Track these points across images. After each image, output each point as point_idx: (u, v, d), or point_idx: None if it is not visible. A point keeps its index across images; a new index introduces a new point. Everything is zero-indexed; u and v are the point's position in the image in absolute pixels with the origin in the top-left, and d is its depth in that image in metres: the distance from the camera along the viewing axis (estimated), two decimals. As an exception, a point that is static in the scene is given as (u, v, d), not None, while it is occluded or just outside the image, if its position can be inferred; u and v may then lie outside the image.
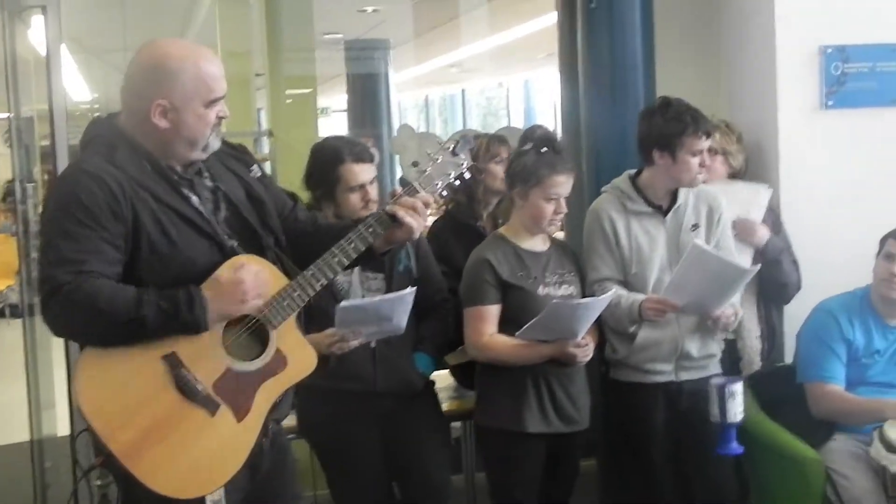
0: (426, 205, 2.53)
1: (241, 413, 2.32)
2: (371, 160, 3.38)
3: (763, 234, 3.72)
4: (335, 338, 3.06)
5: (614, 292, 3.29)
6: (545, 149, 3.29)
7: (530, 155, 3.30)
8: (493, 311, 3.29)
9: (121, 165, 2.31)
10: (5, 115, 4.84)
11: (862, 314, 3.55)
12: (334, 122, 15.96)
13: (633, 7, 4.14)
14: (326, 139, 3.57)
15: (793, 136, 4.02)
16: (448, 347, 3.57)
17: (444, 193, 2.62)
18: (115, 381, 2.25)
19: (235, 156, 2.57)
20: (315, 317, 3.11)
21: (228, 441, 2.32)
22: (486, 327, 3.29)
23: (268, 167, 7.11)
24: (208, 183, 2.45)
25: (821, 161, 4.03)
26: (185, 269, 2.31)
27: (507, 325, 3.27)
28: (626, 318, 3.33)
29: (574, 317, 3.18)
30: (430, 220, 3.86)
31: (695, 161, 3.37)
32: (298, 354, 2.42)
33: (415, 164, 2.61)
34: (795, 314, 3.78)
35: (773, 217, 3.89)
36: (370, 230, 2.47)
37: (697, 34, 4.50)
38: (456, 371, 3.83)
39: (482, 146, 3.93)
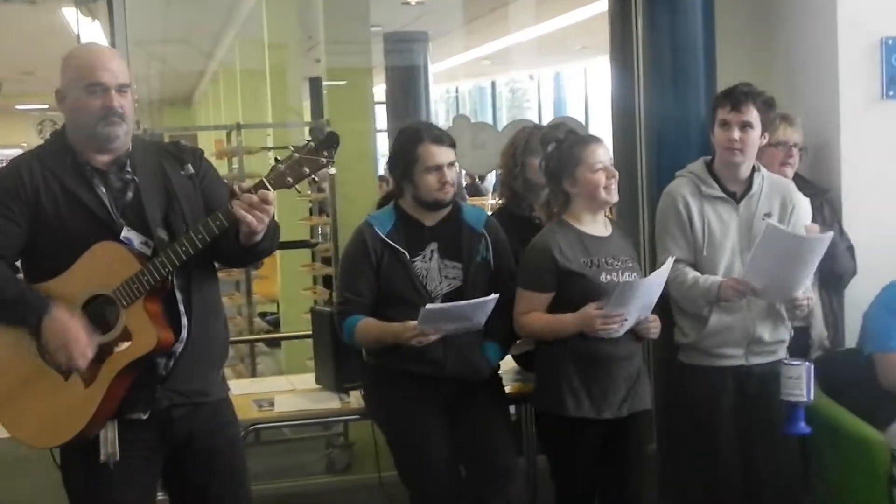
0: (265, 201, 2.59)
1: (88, 380, 2.61)
2: (450, 144, 3.40)
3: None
4: (415, 332, 3.18)
5: (671, 261, 3.29)
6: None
7: (556, 148, 3.38)
8: (543, 299, 3.31)
9: (43, 158, 2.67)
10: (39, 106, 4.88)
11: None
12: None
13: (694, -7, 4.11)
14: (409, 123, 3.65)
15: (854, 125, 4.06)
16: (514, 338, 3.59)
17: (298, 189, 2.66)
18: None
19: (173, 154, 2.81)
20: (392, 303, 3.32)
21: (76, 403, 2.62)
22: (531, 310, 3.33)
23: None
24: (127, 177, 2.70)
25: (881, 150, 4.07)
26: (75, 244, 2.61)
27: (567, 311, 3.26)
28: (703, 299, 3.37)
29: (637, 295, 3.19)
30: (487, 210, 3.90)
31: (722, 134, 3.41)
32: (141, 333, 2.62)
33: (277, 160, 2.64)
34: (856, 302, 3.83)
35: (830, 208, 3.93)
36: (217, 223, 2.60)
37: (757, 22, 4.50)
38: (519, 359, 3.87)
39: (521, 142, 3.89)
